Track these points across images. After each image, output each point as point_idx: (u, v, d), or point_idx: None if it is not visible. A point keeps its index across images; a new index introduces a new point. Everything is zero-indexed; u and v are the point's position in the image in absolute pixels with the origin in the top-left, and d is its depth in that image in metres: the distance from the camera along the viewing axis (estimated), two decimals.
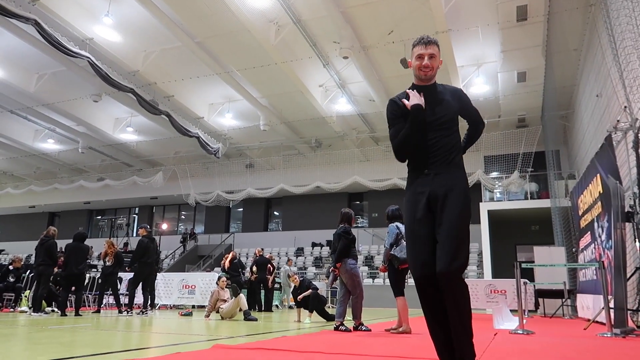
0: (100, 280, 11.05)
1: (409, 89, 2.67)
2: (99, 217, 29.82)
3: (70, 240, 9.44)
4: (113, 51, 14.39)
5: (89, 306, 11.73)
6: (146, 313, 9.51)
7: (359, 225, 23.87)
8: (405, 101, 2.59)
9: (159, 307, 13.04)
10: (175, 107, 17.10)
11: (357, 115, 18.45)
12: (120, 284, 13.26)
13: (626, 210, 6.45)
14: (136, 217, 29.51)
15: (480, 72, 15.21)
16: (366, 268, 20.22)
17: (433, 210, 2.48)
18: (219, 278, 9.64)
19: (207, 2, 11.94)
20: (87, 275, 11.19)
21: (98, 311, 10.24)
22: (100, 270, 10.82)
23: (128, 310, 9.56)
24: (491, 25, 12.69)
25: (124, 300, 11.00)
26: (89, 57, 12.63)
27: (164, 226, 26.81)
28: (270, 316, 10.27)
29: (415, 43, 2.67)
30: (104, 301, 11.24)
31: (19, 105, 18.00)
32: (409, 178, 2.66)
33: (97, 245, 20.20)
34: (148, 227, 10.26)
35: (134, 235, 27.20)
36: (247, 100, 17.36)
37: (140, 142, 21.81)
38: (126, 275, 13.62)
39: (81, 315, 8.79)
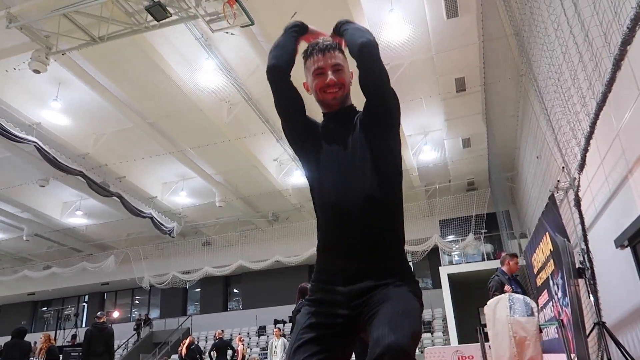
0: None
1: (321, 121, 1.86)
2: (44, 308, 27.79)
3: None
4: (62, 135, 14.15)
5: None
6: None
7: None
8: None
9: None
10: (127, 188, 16.73)
11: None
12: None
13: (577, 267, 6.62)
14: (86, 305, 27.74)
15: (428, 140, 15.87)
16: None
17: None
18: None
19: (158, 84, 12.09)
20: None
21: None
22: None
23: None
24: (433, 97, 13.44)
25: None
26: (35, 142, 12.33)
27: (115, 314, 25.27)
28: None
29: (306, 54, 1.76)
30: None
31: None
32: (317, 266, 1.74)
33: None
34: (99, 313, 9.56)
35: (83, 325, 25.41)
36: (201, 178, 17.25)
37: (90, 226, 20.98)
38: None
39: None
